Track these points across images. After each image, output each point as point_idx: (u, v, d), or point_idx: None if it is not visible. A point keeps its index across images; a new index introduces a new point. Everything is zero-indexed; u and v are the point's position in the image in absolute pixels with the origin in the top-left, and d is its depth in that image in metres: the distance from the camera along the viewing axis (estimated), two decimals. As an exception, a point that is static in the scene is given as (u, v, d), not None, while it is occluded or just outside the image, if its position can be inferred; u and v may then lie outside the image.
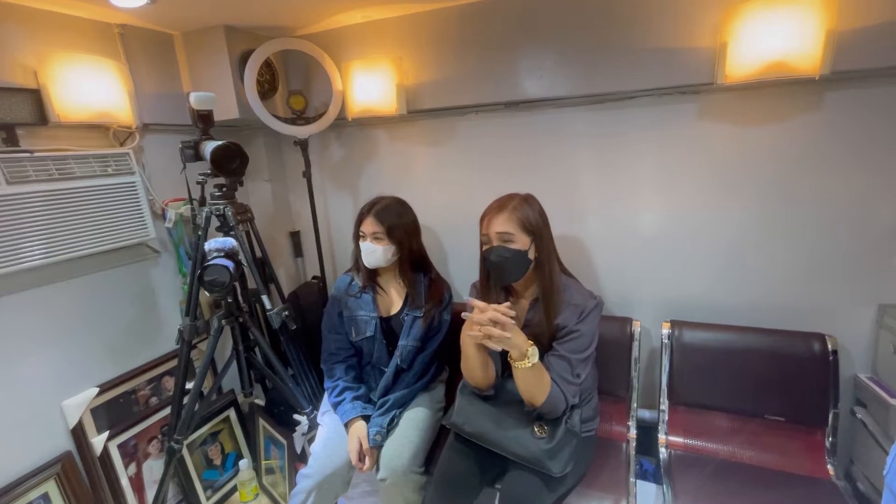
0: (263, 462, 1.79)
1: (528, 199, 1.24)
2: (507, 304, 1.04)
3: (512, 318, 1.02)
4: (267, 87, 1.78)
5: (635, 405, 1.47)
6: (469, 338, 1.10)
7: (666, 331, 1.48)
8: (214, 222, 1.46)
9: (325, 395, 1.50)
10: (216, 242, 1.37)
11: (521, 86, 1.52)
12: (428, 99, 1.65)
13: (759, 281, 1.43)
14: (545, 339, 1.21)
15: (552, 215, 1.28)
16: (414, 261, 1.51)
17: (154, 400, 1.65)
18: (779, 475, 1.26)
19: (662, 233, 1.51)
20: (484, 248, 1.25)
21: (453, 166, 1.75)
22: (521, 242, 1.18)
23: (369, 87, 1.65)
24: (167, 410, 1.60)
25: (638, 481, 1.29)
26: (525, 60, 1.50)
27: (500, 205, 1.22)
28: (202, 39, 1.64)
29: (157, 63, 1.63)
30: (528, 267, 1.20)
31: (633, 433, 1.43)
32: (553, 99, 1.50)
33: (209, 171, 1.39)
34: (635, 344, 1.49)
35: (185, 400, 1.45)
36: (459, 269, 1.85)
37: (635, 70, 1.37)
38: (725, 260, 1.46)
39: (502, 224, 1.18)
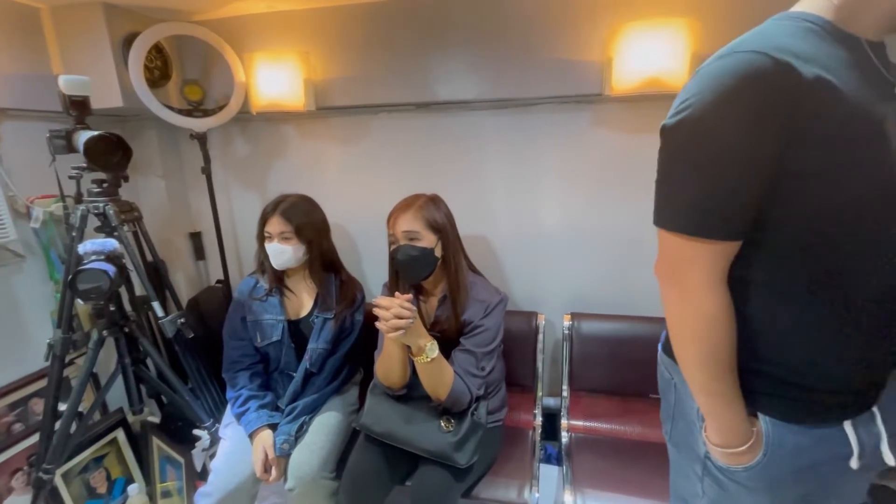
0: (159, 485, 1.63)
1: (434, 199, 1.27)
2: (408, 296, 1.06)
3: (411, 311, 1.05)
4: (158, 75, 1.63)
5: (541, 394, 1.57)
6: (389, 338, 1.10)
7: (567, 323, 1.59)
8: (93, 222, 1.31)
9: (228, 407, 1.41)
10: (94, 244, 1.23)
11: (431, 87, 1.55)
12: (339, 96, 1.62)
13: (648, 273, 1.58)
14: (453, 334, 1.24)
15: (462, 215, 1.32)
16: (324, 261, 1.47)
17: (18, 426, 1.43)
18: (659, 446, 1.41)
19: (564, 231, 1.63)
20: (392, 247, 1.25)
21: (366, 165, 1.73)
22: (428, 241, 1.21)
23: (275, 80, 1.57)
24: (37, 437, 1.41)
25: (541, 465, 1.37)
26: (435, 63, 1.52)
27: (406, 204, 1.24)
28: (76, 16, 1.46)
29: (17, 39, 1.42)
30: (434, 265, 1.22)
31: (538, 421, 1.51)
32: (462, 102, 1.55)
33: (84, 165, 1.24)
34: (540, 336, 1.58)
35: (59, 423, 1.28)
36: (373, 268, 1.83)
37: (537, 78, 1.45)
38: (618, 255, 1.60)
39: (408, 223, 1.21)
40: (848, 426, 0.64)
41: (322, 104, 1.62)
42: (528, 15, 1.41)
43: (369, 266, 1.84)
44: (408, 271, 1.22)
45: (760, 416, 0.67)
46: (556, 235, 1.64)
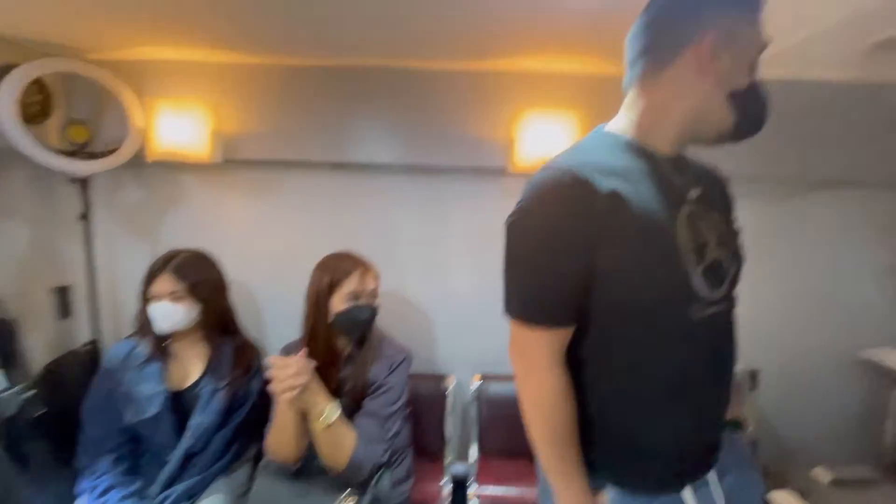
0: None
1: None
2: (302, 353, 1.04)
3: (308, 370, 1.02)
4: (36, 111, 1.47)
5: (449, 460, 1.53)
6: (285, 402, 1.02)
7: (476, 384, 1.60)
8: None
9: (80, 501, 1.17)
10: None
11: (348, 148, 1.57)
12: (250, 149, 1.57)
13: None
14: (358, 394, 1.20)
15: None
16: (220, 322, 1.35)
17: None
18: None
19: (474, 292, 1.68)
20: (350, 305, 1.22)
21: (274, 220, 1.67)
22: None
23: (179, 129, 1.49)
24: None
25: (450, 540, 1.31)
26: (354, 126, 1.56)
27: (364, 261, 1.29)
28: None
29: None
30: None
31: (445, 492, 1.46)
32: (378, 165, 1.59)
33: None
34: (449, 399, 1.57)
35: None
36: (275, 330, 1.72)
37: (451, 149, 1.55)
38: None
39: (374, 279, 1.27)
40: (687, 493, 0.70)
41: (231, 156, 1.56)
42: (443, 92, 1.53)
43: (272, 328, 1.72)
44: (358, 331, 1.24)
45: (608, 487, 0.72)
46: (467, 296, 1.68)
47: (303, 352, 1.04)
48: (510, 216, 0.71)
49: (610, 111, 0.82)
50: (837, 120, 1.49)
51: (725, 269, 0.72)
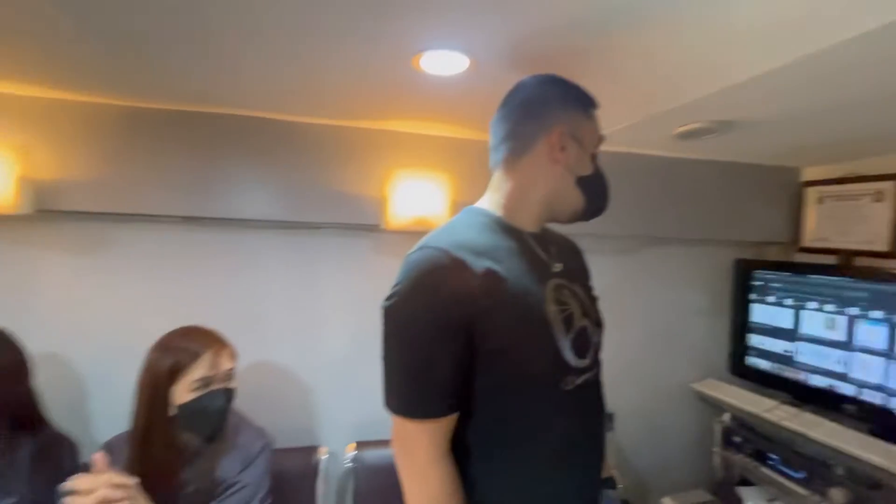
0: None
1: None
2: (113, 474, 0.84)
3: (127, 488, 0.83)
4: None
5: (320, 547, 1.38)
6: None
7: (351, 453, 1.49)
8: None
9: None
10: None
11: (206, 201, 1.39)
12: (73, 199, 1.32)
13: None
14: (204, 500, 1.01)
15: (239, 342, 1.16)
16: (14, 416, 1.07)
17: None
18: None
19: (349, 355, 1.59)
20: (199, 394, 1.02)
21: (107, 284, 1.40)
22: None
23: (-31, 172, 1.20)
24: None
25: None
26: (212, 177, 1.39)
27: (218, 336, 1.10)
28: None
29: None
30: None
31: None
32: (243, 220, 1.44)
33: None
34: (321, 473, 1.43)
35: None
36: (107, 420, 1.40)
37: (323, 204, 1.46)
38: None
39: (231, 359, 1.09)
40: None
41: (46, 206, 1.29)
42: (315, 145, 1.45)
43: (100, 417, 1.41)
44: (209, 426, 1.04)
45: None
46: (340, 359, 1.58)
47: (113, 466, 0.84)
48: (386, 299, 0.68)
49: (478, 174, 0.87)
50: (663, 187, 1.76)
51: (590, 337, 0.77)
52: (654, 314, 1.89)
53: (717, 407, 1.76)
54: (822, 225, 1.78)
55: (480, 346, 0.66)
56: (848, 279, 1.51)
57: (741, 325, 1.84)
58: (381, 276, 1.59)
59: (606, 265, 1.80)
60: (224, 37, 0.87)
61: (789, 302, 1.67)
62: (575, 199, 0.78)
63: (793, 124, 1.27)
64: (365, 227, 1.53)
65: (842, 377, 1.50)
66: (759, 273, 1.79)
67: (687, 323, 1.94)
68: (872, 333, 1.42)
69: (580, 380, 0.73)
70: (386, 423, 1.69)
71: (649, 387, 1.89)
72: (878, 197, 1.60)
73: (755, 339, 1.80)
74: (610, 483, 0.95)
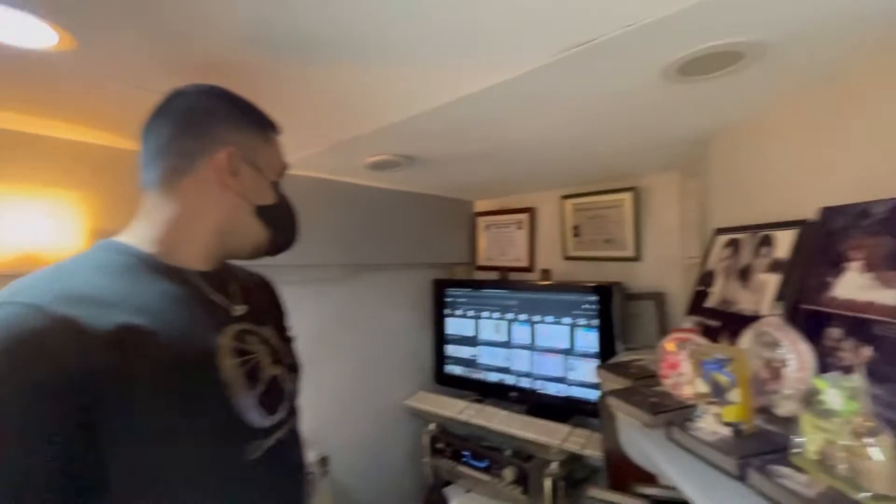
0: None
1: None
2: None
3: None
4: None
5: None
6: None
7: None
8: None
9: None
10: None
11: None
12: None
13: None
14: None
15: None
16: None
17: None
18: None
19: None
20: None
21: None
22: None
23: None
24: None
25: None
26: None
27: None
28: None
29: None
30: None
31: None
32: None
33: None
34: None
35: None
36: None
37: None
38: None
39: None
40: None
41: None
42: None
43: None
44: None
45: None
46: None
47: None
48: None
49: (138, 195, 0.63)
50: (366, 215, 1.81)
51: (283, 387, 0.68)
52: (366, 340, 1.92)
53: (425, 418, 1.90)
54: (489, 247, 2.21)
55: (116, 431, 0.48)
56: (505, 290, 1.88)
57: (440, 338, 2.07)
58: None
59: (313, 297, 1.72)
60: None
61: (471, 313, 1.98)
62: (256, 231, 0.68)
63: (454, 164, 1.50)
64: None
65: (507, 371, 1.85)
66: (449, 290, 2.06)
67: (398, 343, 2.05)
68: (522, 332, 1.81)
69: (271, 440, 0.63)
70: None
71: (367, 414, 1.89)
72: (520, 225, 2.09)
73: (451, 349, 2.05)
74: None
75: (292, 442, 0.71)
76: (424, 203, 2.06)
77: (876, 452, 0.45)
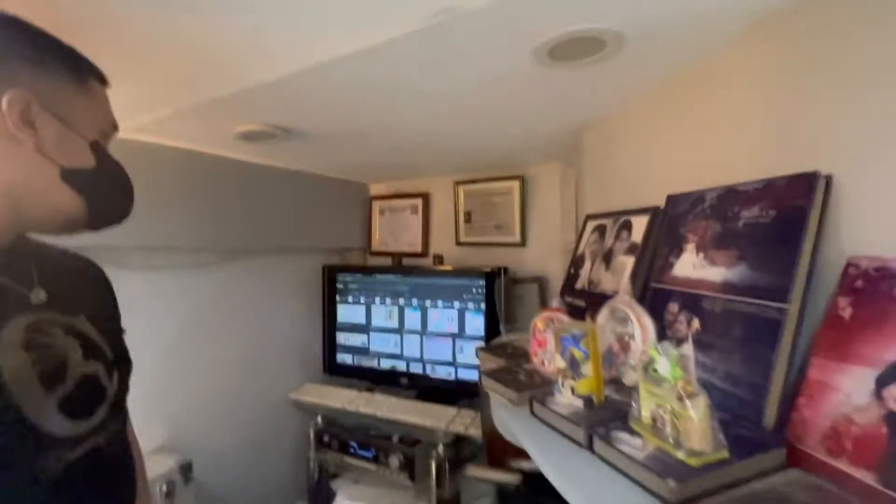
0: None
1: None
2: None
3: None
4: None
5: None
6: None
7: None
8: None
9: None
10: None
11: None
12: None
13: None
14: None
15: None
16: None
17: None
18: None
19: None
20: None
21: None
22: None
23: None
24: None
25: None
26: None
27: None
28: None
29: None
30: None
31: None
32: None
33: None
34: None
35: None
36: None
37: None
38: None
39: None
40: None
41: None
42: None
43: None
44: None
45: None
46: None
47: None
48: None
49: None
50: (246, 195, 1.64)
51: (102, 387, 0.59)
52: (246, 331, 1.75)
53: (312, 412, 1.80)
54: (383, 232, 2.15)
55: None
56: (398, 276, 1.85)
57: (331, 326, 1.98)
58: None
59: (181, 284, 1.52)
60: None
61: (363, 300, 1.91)
62: (63, 199, 0.56)
63: (339, 142, 1.41)
64: None
65: (398, 357, 1.82)
66: (340, 276, 1.97)
67: (283, 333, 1.91)
68: (412, 317, 1.79)
69: (80, 451, 0.54)
70: None
71: (247, 411, 1.73)
72: (415, 210, 2.06)
73: (342, 337, 1.96)
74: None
75: (115, 449, 0.61)
76: (315, 184, 1.93)
77: (693, 414, 0.50)
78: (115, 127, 0.64)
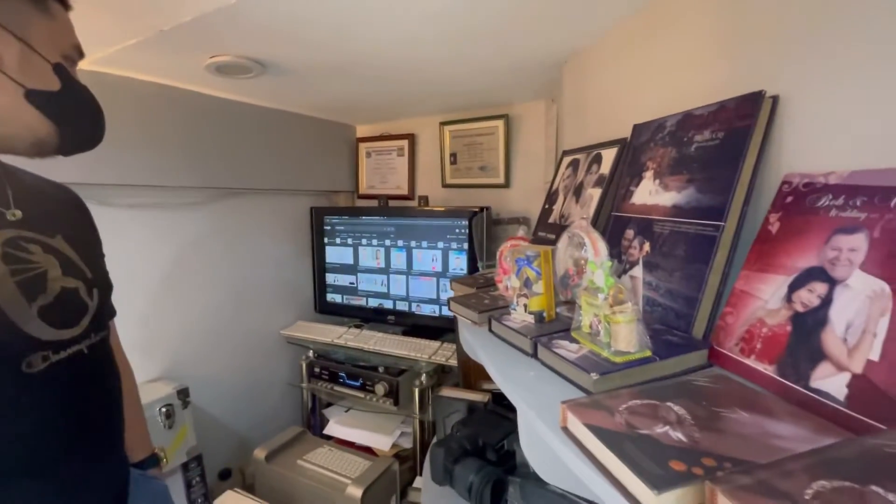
0: None
1: None
2: None
3: None
4: None
5: None
6: None
7: None
8: None
9: None
10: None
11: None
12: None
13: None
14: None
15: None
16: None
17: None
18: None
19: None
20: None
21: None
22: None
23: None
24: None
25: None
26: None
27: None
28: None
29: None
30: None
31: None
32: None
33: None
34: None
35: None
36: None
37: None
38: None
39: None
40: None
41: None
42: None
43: None
44: None
45: None
46: None
47: None
48: None
49: None
50: (234, 135, 1.63)
51: (82, 301, 0.63)
52: (240, 269, 1.80)
53: (304, 347, 1.89)
54: (370, 174, 2.15)
55: None
56: (384, 218, 1.87)
57: (320, 267, 2.03)
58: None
59: (170, 222, 1.54)
60: None
61: (350, 241, 1.95)
62: (29, 121, 0.57)
63: (320, 78, 1.38)
64: None
65: (385, 296, 1.88)
66: (328, 218, 2.00)
67: (275, 272, 1.96)
68: (398, 258, 1.83)
69: (63, 354, 0.59)
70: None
71: (243, 344, 1.82)
72: (401, 152, 2.05)
73: (331, 277, 2.02)
74: (151, 462, 0.86)
75: (97, 357, 0.66)
76: (301, 125, 1.91)
77: (621, 318, 0.54)
78: (79, 51, 0.64)
